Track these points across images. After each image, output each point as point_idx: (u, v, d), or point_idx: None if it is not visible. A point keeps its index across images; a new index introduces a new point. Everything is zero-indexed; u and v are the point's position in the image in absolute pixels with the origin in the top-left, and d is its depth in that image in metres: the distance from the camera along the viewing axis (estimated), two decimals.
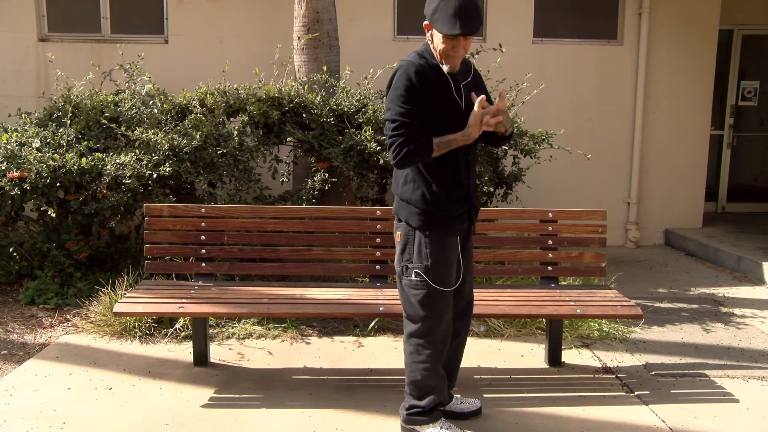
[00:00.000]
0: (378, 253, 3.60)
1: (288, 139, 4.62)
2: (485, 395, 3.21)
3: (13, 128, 4.69)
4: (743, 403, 3.19)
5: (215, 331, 3.98)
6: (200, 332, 3.49)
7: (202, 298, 3.30)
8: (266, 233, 3.68)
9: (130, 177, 4.28)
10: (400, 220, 2.70)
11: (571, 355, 3.72)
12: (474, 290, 3.04)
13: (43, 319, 4.22)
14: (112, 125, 4.60)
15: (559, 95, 6.42)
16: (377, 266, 3.60)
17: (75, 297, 4.44)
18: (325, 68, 4.81)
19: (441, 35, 2.46)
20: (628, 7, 6.48)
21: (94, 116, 4.70)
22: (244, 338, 3.93)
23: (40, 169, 4.25)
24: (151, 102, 4.65)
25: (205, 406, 3.09)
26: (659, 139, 6.68)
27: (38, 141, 4.47)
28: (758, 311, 4.62)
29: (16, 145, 4.38)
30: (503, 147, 4.65)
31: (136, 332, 3.90)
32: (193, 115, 4.44)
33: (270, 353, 3.73)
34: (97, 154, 4.41)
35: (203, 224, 3.59)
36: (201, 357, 3.52)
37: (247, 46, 6.02)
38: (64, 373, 3.41)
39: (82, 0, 6.13)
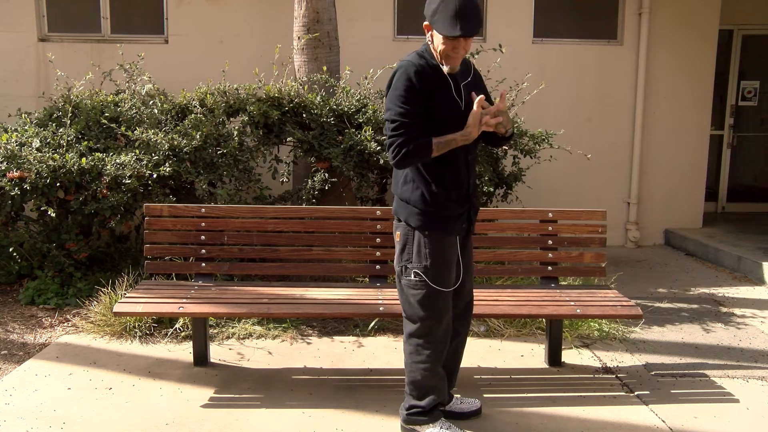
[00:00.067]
0: (378, 253, 3.60)
1: (288, 139, 4.62)
2: (485, 395, 3.21)
3: (13, 128, 4.69)
4: (743, 403, 3.19)
5: (215, 331, 3.98)
6: (200, 332, 3.49)
7: (202, 298, 3.30)
8: (266, 233, 3.68)
9: (130, 177, 4.28)
10: (399, 220, 2.70)
11: (571, 355, 3.72)
12: (474, 290, 3.04)
13: (43, 319, 4.22)
14: (112, 125, 4.60)
15: (559, 95, 6.42)
16: (377, 266, 3.60)
17: (75, 297, 4.44)
18: (325, 68, 4.81)
19: (441, 36, 2.46)
20: (628, 7, 6.48)
21: (94, 116, 4.70)
22: (244, 338, 3.93)
23: (40, 169, 4.25)
24: (151, 102, 4.65)
25: (205, 406, 3.09)
26: (659, 139, 6.68)
27: (38, 141, 4.47)
28: (758, 311, 4.62)
29: (16, 145, 4.38)
30: (503, 147, 4.65)
31: (136, 332, 3.90)
32: (193, 115, 4.44)
33: (270, 353, 3.73)
34: (97, 154, 4.41)
35: (203, 224, 3.59)
36: (201, 357, 3.52)
37: (247, 46, 6.02)
38: (64, 373, 3.41)
39: (82, 0, 6.13)
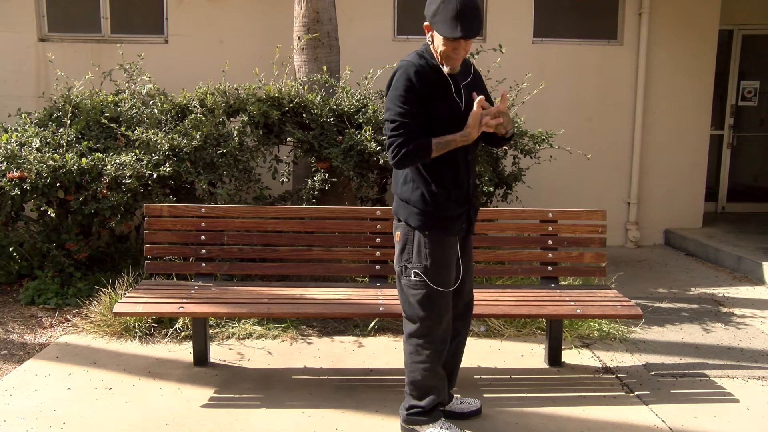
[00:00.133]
0: (378, 253, 3.60)
1: (288, 139, 4.62)
2: (485, 395, 3.21)
3: (13, 128, 4.69)
4: (743, 403, 3.19)
5: (215, 331, 3.98)
6: (200, 332, 3.49)
7: (202, 298, 3.30)
8: (266, 233, 3.68)
9: (130, 177, 4.28)
10: (399, 220, 2.70)
11: (571, 355, 3.72)
12: (474, 290, 3.05)
13: (43, 319, 4.22)
14: (112, 125, 4.60)
15: (559, 95, 6.42)
16: (377, 266, 3.60)
17: (75, 297, 4.44)
18: (325, 68, 4.81)
19: (442, 37, 2.46)
20: (628, 7, 6.48)
21: (94, 116, 4.71)
22: (244, 338, 3.93)
23: (40, 169, 4.25)
24: (151, 102, 4.65)
25: (205, 406, 3.09)
26: (659, 139, 6.68)
27: (38, 141, 4.47)
28: (758, 311, 4.62)
29: (16, 145, 4.38)
30: (504, 147, 4.64)
31: (136, 332, 3.90)
32: (193, 115, 4.44)
33: (270, 353, 3.73)
34: (97, 154, 4.41)
35: (203, 224, 3.59)
36: (201, 357, 3.52)
37: (247, 46, 6.02)
38: (64, 373, 3.41)
39: (82, 0, 6.13)
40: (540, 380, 3.41)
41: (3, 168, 4.30)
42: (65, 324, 4.14)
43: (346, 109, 4.56)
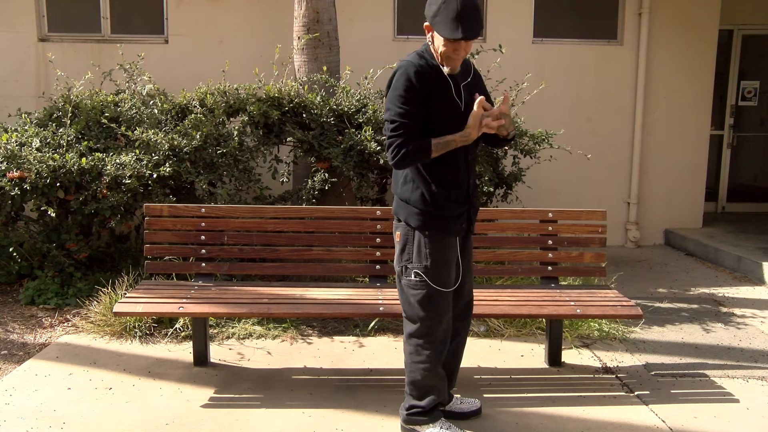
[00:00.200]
0: (378, 253, 3.60)
1: (288, 139, 4.62)
2: (485, 395, 3.21)
3: (13, 128, 4.69)
4: (743, 403, 3.19)
5: (215, 331, 3.98)
6: (200, 332, 3.49)
7: (202, 298, 3.30)
8: (266, 233, 3.68)
9: (130, 177, 4.28)
10: (399, 220, 2.70)
11: (571, 355, 3.73)
12: (474, 290, 3.05)
13: (43, 319, 4.22)
14: (112, 125, 4.61)
15: (559, 95, 6.42)
16: (377, 266, 3.60)
17: (75, 297, 4.44)
18: (325, 68, 4.82)
19: (442, 38, 2.46)
20: (628, 7, 6.48)
21: (94, 116, 4.71)
22: (244, 338, 3.93)
23: (40, 169, 4.25)
24: (151, 102, 4.65)
25: (205, 406, 3.09)
26: (659, 139, 6.68)
27: (38, 141, 4.47)
28: (758, 311, 4.62)
29: (16, 145, 4.38)
30: (504, 148, 4.65)
31: (136, 332, 3.90)
32: (193, 115, 4.44)
33: (270, 353, 3.73)
34: (97, 154, 4.41)
35: (203, 224, 3.59)
36: (201, 357, 3.52)
37: (247, 46, 6.02)
38: (64, 373, 3.41)
39: (82, 0, 6.13)
40: (540, 380, 3.41)
41: (3, 168, 4.30)
42: (65, 324, 4.15)
43: (346, 109, 4.56)
